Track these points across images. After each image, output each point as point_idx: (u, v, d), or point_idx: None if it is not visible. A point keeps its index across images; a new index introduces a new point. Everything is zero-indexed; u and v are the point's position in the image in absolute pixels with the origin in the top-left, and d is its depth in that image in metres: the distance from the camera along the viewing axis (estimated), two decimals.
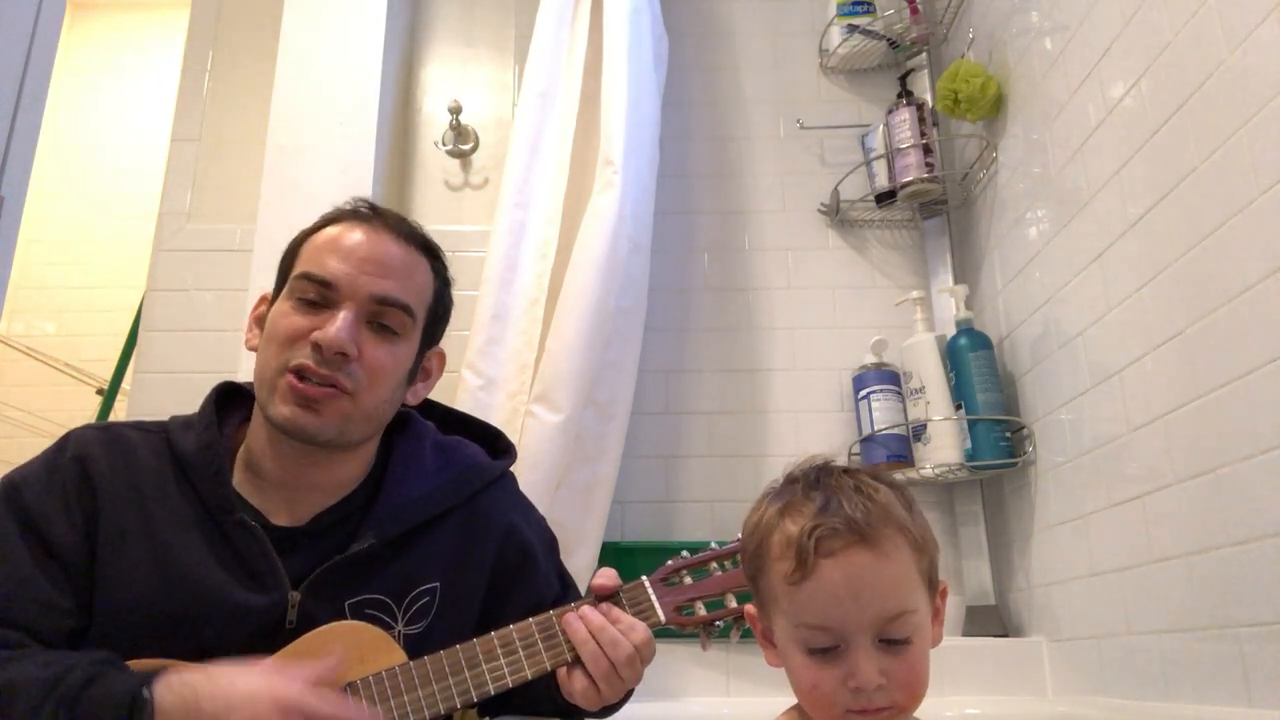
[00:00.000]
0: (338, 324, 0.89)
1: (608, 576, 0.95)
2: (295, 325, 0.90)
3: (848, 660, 0.66)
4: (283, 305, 0.93)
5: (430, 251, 1.00)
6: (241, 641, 0.87)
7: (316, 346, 0.89)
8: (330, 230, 0.96)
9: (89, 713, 0.75)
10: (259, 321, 0.97)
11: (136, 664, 0.83)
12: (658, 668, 1.12)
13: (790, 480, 0.73)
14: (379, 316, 0.93)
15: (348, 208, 0.99)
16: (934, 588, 0.71)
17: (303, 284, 0.92)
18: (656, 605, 0.94)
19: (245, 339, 0.98)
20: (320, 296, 0.91)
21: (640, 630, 0.90)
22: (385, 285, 0.92)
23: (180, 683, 0.77)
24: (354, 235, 0.94)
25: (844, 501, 0.67)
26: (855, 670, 0.65)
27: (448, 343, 1.08)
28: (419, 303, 0.97)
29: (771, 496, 0.73)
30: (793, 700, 0.73)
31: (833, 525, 0.66)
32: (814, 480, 0.71)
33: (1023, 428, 1.64)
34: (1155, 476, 1.23)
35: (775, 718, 0.75)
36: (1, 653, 0.79)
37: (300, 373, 0.89)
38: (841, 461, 0.74)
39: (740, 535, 0.98)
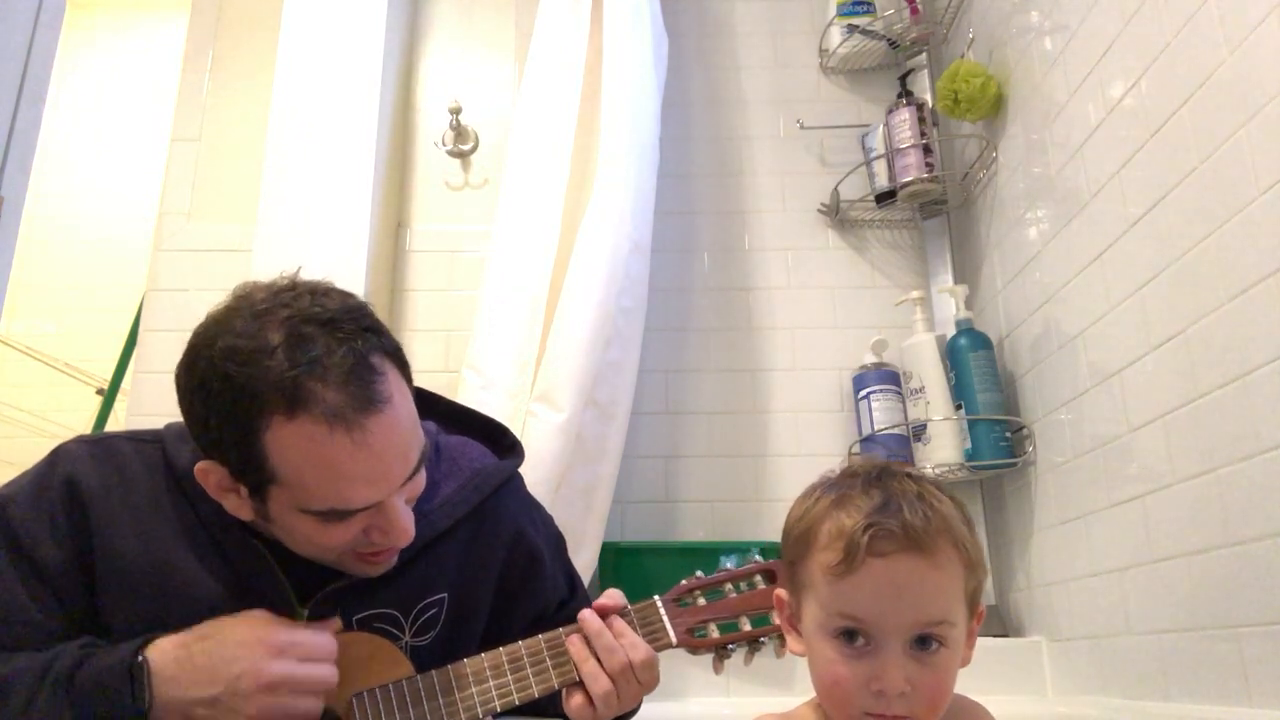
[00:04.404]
0: (400, 522, 0.83)
1: (611, 598, 0.92)
2: (344, 538, 0.83)
3: (875, 661, 0.64)
4: (305, 519, 0.81)
5: (398, 361, 0.85)
6: None
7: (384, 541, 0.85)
8: (321, 449, 0.77)
9: (87, 687, 0.76)
10: (232, 493, 0.83)
11: None
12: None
13: (849, 474, 0.71)
14: (412, 480, 0.85)
15: (298, 373, 0.76)
16: (974, 609, 0.69)
17: (327, 512, 0.80)
18: (668, 626, 0.92)
19: (223, 499, 0.84)
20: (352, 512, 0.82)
21: (641, 650, 0.88)
22: (407, 469, 0.83)
23: (173, 643, 0.79)
24: (357, 451, 0.77)
25: (904, 505, 0.65)
26: (882, 673, 0.64)
27: (449, 343, 1.07)
28: (420, 435, 0.86)
29: (826, 487, 0.71)
30: (794, 701, 0.73)
31: (889, 527, 0.64)
32: (875, 478, 0.69)
33: (1023, 428, 1.64)
34: (1155, 476, 1.23)
35: (793, 709, 0.74)
36: None
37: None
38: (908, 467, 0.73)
39: (757, 556, 0.97)
